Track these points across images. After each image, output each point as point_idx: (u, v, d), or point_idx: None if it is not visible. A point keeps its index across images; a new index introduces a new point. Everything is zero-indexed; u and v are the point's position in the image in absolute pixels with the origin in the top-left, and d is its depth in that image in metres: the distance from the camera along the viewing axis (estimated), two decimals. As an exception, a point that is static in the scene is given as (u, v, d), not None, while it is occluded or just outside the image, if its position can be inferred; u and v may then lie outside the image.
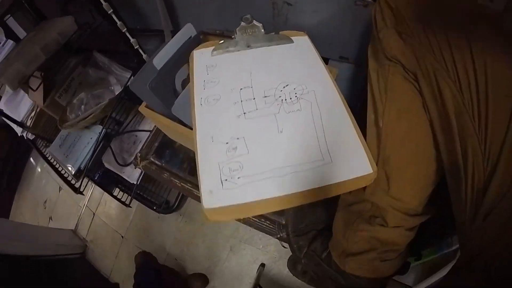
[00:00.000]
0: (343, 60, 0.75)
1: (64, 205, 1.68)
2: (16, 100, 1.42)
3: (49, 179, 1.82)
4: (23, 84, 0.86)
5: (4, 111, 1.33)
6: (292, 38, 0.61)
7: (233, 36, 0.60)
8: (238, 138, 0.48)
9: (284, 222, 0.73)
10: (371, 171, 0.45)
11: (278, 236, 0.74)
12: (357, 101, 0.78)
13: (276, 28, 0.72)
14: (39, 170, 1.97)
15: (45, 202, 1.80)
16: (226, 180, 0.45)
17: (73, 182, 0.91)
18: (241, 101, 0.52)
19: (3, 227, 1.31)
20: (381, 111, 0.48)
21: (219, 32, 0.72)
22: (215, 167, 0.46)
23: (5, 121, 1.59)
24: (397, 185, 0.48)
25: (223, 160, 0.46)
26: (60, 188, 1.72)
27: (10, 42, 1.51)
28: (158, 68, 0.65)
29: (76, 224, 1.54)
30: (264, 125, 0.49)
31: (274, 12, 0.70)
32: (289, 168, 0.45)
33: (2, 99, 1.49)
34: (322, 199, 0.45)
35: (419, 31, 0.43)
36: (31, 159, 2.06)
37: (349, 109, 0.51)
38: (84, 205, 1.54)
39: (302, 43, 0.61)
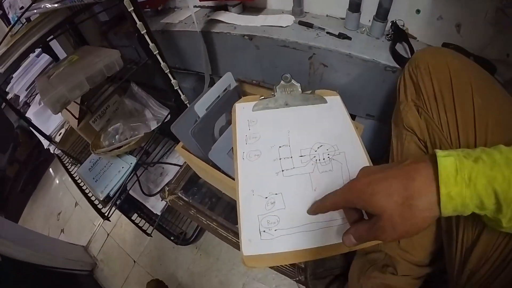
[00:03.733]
0: (369, 117, 0.80)
1: (78, 220, 1.70)
2: (46, 113, 1.44)
3: (66, 193, 1.86)
4: (65, 107, 0.88)
5: (32, 121, 1.36)
6: (326, 98, 0.66)
7: (272, 93, 0.65)
8: (276, 194, 0.52)
9: (303, 266, 0.76)
10: None
11: (297, 279, 0.76)
12: (382, 155, 0.82)
13: (311, 84, 0.78)
14: (57, 182, 2.02)
15: (59, 214, 1.82)
16: (264, 231, 0.49)
17: (99, 206, 0.94)
18: (280, 158, 0.56)
19: (10, 230, 1.29)
20: None
21: (255, 82, 0.77)
22: (255, 218, 0.50)
23: (28, 127, 1.64)
24: (406, 239, 0.54)
25: (262, 213, 0.50)
26: (76, 204, 1.76)
27: (46, 57, 1.59)
28: (199, 113, 0.70)
29: (89, 241, 1.56)
30: (300, 183, 0.53)
31: (310, 70, 0.76)
32: (320, 224, 0.49)
33: (30, 108, 1.54)
34: (346, 252, 0.48)
35: (433, 108, 0.51)
36: (51, 169, 2.12)
37: None
38: (99, 224, 1.57)
39: (334, 103, 0.66)
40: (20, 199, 2.08)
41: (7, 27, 1.05)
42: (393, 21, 0.74)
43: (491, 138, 0.43)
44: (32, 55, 1.66)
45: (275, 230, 0.49)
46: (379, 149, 0.82)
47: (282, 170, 0.54)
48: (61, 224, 1.77)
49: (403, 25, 0.75)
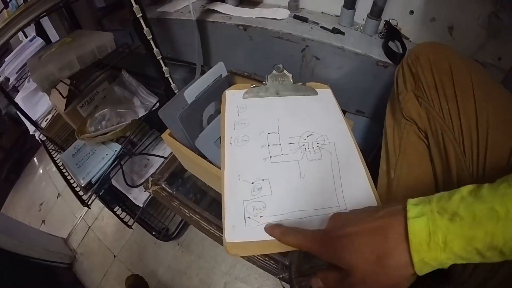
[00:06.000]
0: (359, 114, 0.80)
1: (59, 212, 1.65)
2: (34, 98, 1.44)
3: (49, 183, 1.81)
4: (53, 87, 0.86)
5: (20, 106, 1.34)
6: (317, 90, 0.65)
7: (264, 82, 0.64)
8: (263, 180, 0.51)
9: (287, 263, 0.74)
10: None
11: (280, 276, 0.74)
12: (370, 152, 0.82)
13: (302, 77, 0.78)
14: (41, 171, 1.96)
15: (41, 204, 1.76)
16: (249, 217, 0.47)
17: (80, 193, 0.92)
18: (268, 145, 0.55)
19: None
20: (393, 163, 0.54)
21: (247, 74, 0.77)
22: (240, 204, 0.49)
23: (16, 114, 1.61)
24: None
25: (248, 198, 0.49)
26: (58, 195, 1.70)
27: (40, 40, 1.57)
28: (188, 100, 0.68)
29: (69, 233, 1.51)
30: (287, 170, 0.52)
31: (303, 63, 0.76)
32: (308, 212, 0.48)
33: (19, 93, 1.51)
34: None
35: (433, 97, 0.50)
36: (35, 159, 2.06)
37: (363, 161, 0.55)
38: (81, 216, 1.52)
39: (325, 95, 0.65)
40: (2, 188, 2.00)
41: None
42: (386, 20, 0.75)
43: (493, 128, 0.44)
44: (25, 40, 1.65)
45: (261, 216, 0.47)
46: (368, 146, 0.82)
47: (270, 156, 0.54)
48: (42, 215, 1.72)
49: (396, 25, 0.76)
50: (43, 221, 1.69)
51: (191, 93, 0.68)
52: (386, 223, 0.33)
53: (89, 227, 1.47)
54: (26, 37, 1.67)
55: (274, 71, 0.64)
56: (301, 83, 0.65)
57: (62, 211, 1.64)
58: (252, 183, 0.51)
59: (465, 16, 0.65)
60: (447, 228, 0.29)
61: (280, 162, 0.53)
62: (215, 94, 0.70)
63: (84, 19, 1.26)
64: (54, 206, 1.70)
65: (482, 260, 0.29)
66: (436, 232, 0.29)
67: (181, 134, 0.69)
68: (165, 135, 0.72)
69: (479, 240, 0.28)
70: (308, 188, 0.51)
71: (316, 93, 0.65)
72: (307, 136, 0.57)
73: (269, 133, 0.56)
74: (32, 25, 1.51)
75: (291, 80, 0.65)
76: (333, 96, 0.65)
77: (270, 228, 0.44)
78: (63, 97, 0.88)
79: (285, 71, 0.64)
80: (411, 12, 0.74)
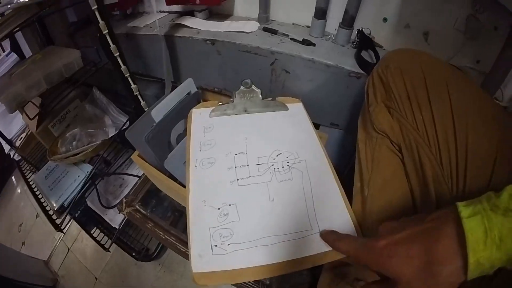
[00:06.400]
0: (333, 127, 0.78)
1: (39, 233, 1.58)
2: (9, 116, 1.38)
3: (27, 203, 1.73)
4: (21, 107, 0.85)
5: None
6: (288, 105, 0.63)
7: (231, 99, 0.62)
8: (230, 205, 0.48)
9: (268, 283, 0.72)
10: None
11: (261, 296, 0.72)
12: (345, 166, 0.80)
13: (273, 92, 0.76)
14: (19, 191, 1.88)
15: (20, 225, 1.69)
16: (216, 245, 0.45)
17: (54, 217, 0.88)
18: (235, 167, 0.53)
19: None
20: (366, 179, 0.51)
21: (217, 90, 0.75)
22: (206, 231, 0.46)
23: None
24: None
25: (214, 226, 0.46)
26: (37, 215, 1.64)
27: (14, 56, 1.53)
28: (156, 119, 0.66)
29: (49, 255, 1.45)
30: (256, 193, 0.50)
31: (272, 77, 0.74)
32: (279, 237, 0.45)
33: (-5, 110, 1.47)
34: (310, 267, 0.45)
35: (406, 108, 0.48)
36: (13, 177, 1.99)
37: (337, 179, 0.53)
38: (60, 238, 1.46)
39: (296, 110, 0.64)
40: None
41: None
42: (359, 29, 0.74)
43: (472, 135, 0.41)
44: (2, 54, 1.61)
45: (228, 244, 0.45)
46: (344, 159, 0.80)
47: (237, 179, 0.51)
48: (22, 236, 1.65)
49: (370, 34, 0.74)
50: (23, 243, 1.62)
51: (158, 112, 0.66)
52: (435, 225, 0.32)
53: (68, 249, 1.41)
54: (4, 51, 1.64)
55: (242, 87, 0.62)
56: (270, 98, 0.63)
57: (41, 232, 1.58)
58: (218, 208, 0.48)
59: (441, 21, 0.64)
60: (502, 224, 0.28)
61: (247, 185, 0.51)
62: (184, 112, 0.68)
63: (57, 34, 1.24)
64: (33, 227, 1.64)
65: None
66: (492, 229, 0.28)
67: (150, 156, 0.66)
68: (134, 156, 0.70)
69: None
70: (278, 212, 0.48)
71: (286, 108, 0.63)
72: (277, 155, 0.55)
73: (236, 154, 0.54)
74: (7, 40, 1.47)
75: (260, 96, 0.63)
76: (305, 110, 0.63)
77: (325, 234, 0.44)
78: (30, 118, 0.85)
79: (253, 87, 0.62)
80: (385, 19, 0.72)
